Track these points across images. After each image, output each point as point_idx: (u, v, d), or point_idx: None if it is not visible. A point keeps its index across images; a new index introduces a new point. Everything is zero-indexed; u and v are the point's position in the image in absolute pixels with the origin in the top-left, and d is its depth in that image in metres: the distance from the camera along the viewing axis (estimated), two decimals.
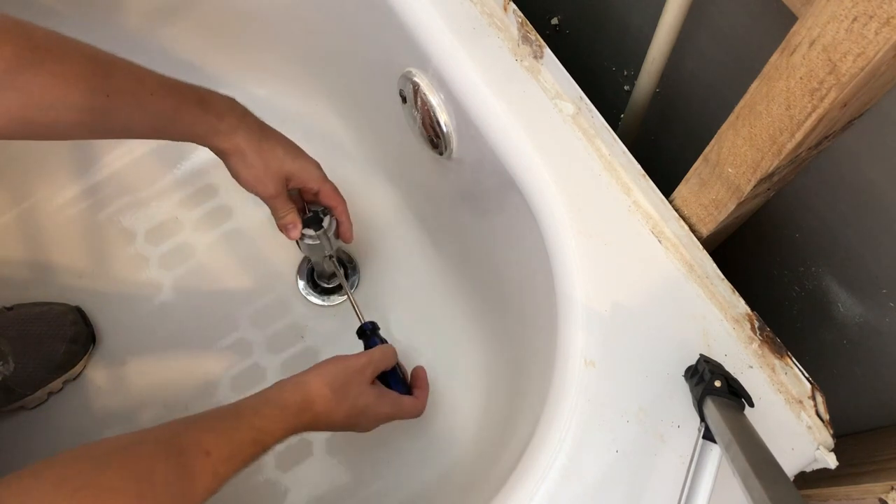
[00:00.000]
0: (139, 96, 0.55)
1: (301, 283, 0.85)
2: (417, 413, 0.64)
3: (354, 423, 0.59)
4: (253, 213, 0.88)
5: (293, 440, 0.75)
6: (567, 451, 0.47)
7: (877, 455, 0.57)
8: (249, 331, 0.83)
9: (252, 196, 0.66)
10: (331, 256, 0.74)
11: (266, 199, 0.66)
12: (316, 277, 0.85)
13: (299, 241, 0.69)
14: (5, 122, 0.48)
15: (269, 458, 0.76)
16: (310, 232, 0.68)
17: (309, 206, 0.70)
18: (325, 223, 0.69)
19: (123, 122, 0.55)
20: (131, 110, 0.54)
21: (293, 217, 0.68)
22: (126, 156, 0.89)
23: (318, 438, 0.77)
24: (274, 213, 0.68)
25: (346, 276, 0.85)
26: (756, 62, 0.42)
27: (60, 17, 0.74)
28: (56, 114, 0.50)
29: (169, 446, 0.43)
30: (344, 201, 0.70)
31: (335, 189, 0.69)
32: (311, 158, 0.67)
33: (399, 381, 0.66)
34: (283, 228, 0.68)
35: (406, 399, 0.63)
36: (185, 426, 0.46)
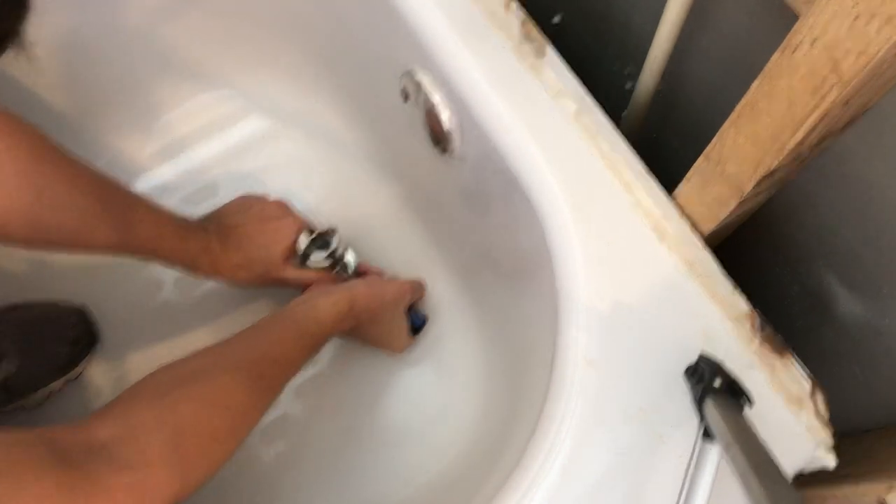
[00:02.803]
0: (133, 215, 0.58)
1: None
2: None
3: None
4: None
5: (290, 453, 0.75)
6: (567, 451, 0.47)
7: (877, 455, 0.57)
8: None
9: None
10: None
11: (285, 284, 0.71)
12: None
13: (306, 262, 0.69)
14: (20, 222, 0.49)
15: (267, 460, 0.76)
16: (319, 255, 0.69)
17: (312, 227, 0.71)
18: (333, 243, 0.69)
19: (119, 237, 0.57)
20: (126, 227, 0.57)
21: (316, 274, 0.72)
22: (128, 156, 0.89)
23: (318, 438, 0.78)
24: (300, 284, 0.72)
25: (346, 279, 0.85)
26: (758, 60, 0.42)
27: (61, 17, 0.74)
28: (64, 215, 0.52)
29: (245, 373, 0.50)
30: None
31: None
32: (281, 220, 0.70)
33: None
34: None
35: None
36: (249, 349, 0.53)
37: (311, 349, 0.58)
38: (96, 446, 0.37)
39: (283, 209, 0.72)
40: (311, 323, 0.58)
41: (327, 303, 0.60)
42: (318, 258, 0.69)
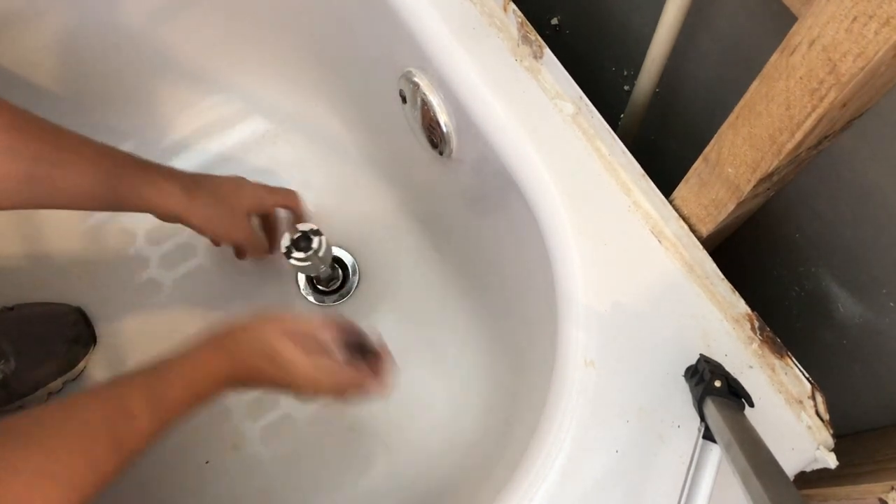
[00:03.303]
0: (82, 167, 0.57)
1: (302, 283, 0.85)
2: (382, 387, 0.59)
3: (313, 378, 0.54)
4: None
5: (290, 453, 0.75)
6: (567, 451, 0.47)
7: (877, 455, 0.57)
8: None
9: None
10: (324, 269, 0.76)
11: (242, 243, 0.70)
12: (315, 282, 0.85)
13: (289, 260, 0.70)
14: (13, 197, 0.52)
15: (267, 460, 0.76)
16: (299, 255, 0.69)
17: (298, 226, 0.71)
18: (315, 244, 0.70)
19: (67, 193, 0.57)
20: (74, 179, 0.56)
21: (262, 247, 0.73)
22: None
23: (318, 439, 0.77)
24: (256, 253, 0.73)
25: (346, 278, 0.85)
26: (756, 62, 0.42)
27: (61, 17, 0.74)
28: (56, 187, 0.54)
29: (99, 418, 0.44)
30: (294, 194, 0.74)
31: (285, 191, 0.74)
32: (250, 182, 0.71)
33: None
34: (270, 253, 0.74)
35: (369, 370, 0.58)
36: (116, 389, 0.47)
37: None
38: None
39: (242, 187, 0.72)
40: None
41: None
42: (298, 256, 0.70)
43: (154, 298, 0.84)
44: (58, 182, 0.55)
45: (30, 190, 0.54)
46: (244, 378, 0.53)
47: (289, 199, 0.74)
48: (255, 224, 0.74)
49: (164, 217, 0.64)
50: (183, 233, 0.87)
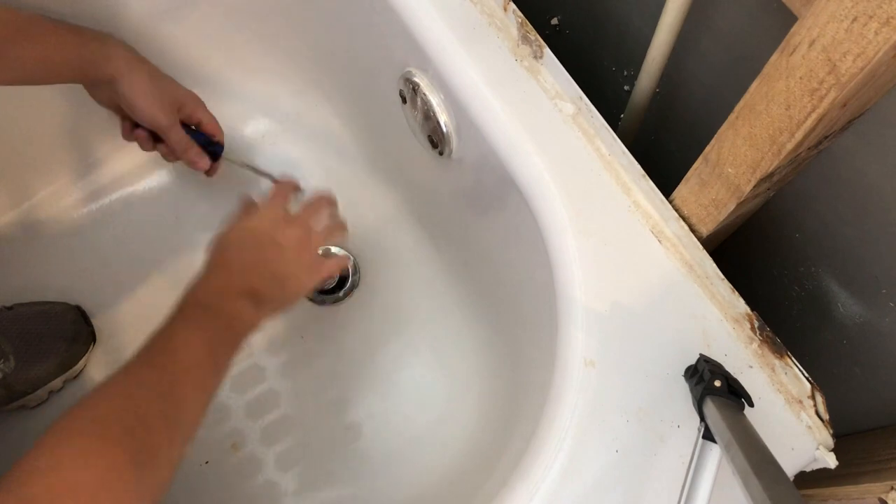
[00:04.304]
0: (26, 36, 0.58)
1: None
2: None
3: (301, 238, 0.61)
4: None
5: (290, 453, 0.75)
6: (567, 451, 0.47)
7: (877, 455, 0.57)
8: None
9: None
10: None
11: (162, 130, 0.68)
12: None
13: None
14: None
15: (267, 460, 0.76)
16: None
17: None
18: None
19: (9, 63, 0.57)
20: (18, 50, 0.57)
21: (196, 149, 0.71)
22: (127, 157, 0.89)
23: (318, 439, 0.77)
24: (175, 146, 0.70)
25: (346, 278, 0.85)
26: (756, 62, 0.42)
27: (60, 16, 0.74)
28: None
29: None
30: (217, 123, 0.73)
31: (213, 118, 0.73)
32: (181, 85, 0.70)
33: None
34: (190, 164, 0.71)
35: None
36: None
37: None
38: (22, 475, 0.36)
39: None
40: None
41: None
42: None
43: (153, 297, 0.84)
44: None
45: None
46: (257, 287, 0.56)
47: (215, 127, 0.73)
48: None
49: (96, 79, 0.64)
50: (183, 233, 0.87)
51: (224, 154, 0.75)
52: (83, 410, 0.41)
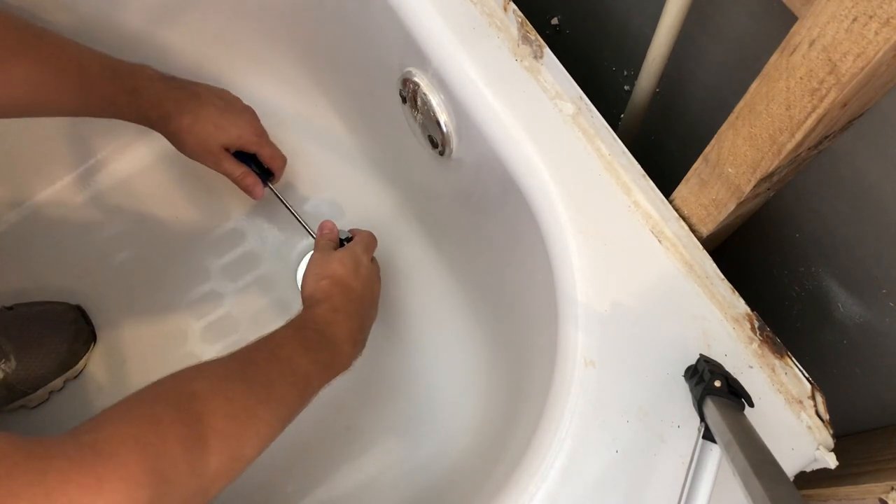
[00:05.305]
0: (81, 80, 0.57)
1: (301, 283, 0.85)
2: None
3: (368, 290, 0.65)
4: (256, 214, 0.88)
5: (290, 453, 0.75)
6: (567, 451, 0.47)
7: (877, 455, 0.57)
8: (250, 330, 0.83)
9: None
10: None
11: (210, 166, 0.70)
12: None
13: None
14: None
15: (266, 460, 0.76)
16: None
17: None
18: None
19: (73, 104, 0.58)
20: (71, 93, 0.57)
21: (251, 178, 0.71)
22: (127, 157, 0.89)
23: (317, 439, 0.77)
24: (227, 176, 0.71)
25: None
26: (756, 62, 0.42)
27: (60, 17, 0.74)
28: (14, 90, 0.53)
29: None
30: (283, 158, 0.75)
31: (273, 148, 0.74)
32: (243, 118, 0.70)
33: None
34: (246, 191, 0.72)
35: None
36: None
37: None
38: (71, 448, 0.36)
39: (251, 111, 0.73)
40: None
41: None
42: None
43: (153, 296, 0.84)
44: (19, 99, 0.55)
45: (28, 102, 0.55)
46: (356, 335, 0.60)
47: (275, 161, 0.73)
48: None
49: (139, 122, 0.64)
50: (183, 233, 0.87)
51: (272, 184, 0.75)
52: (164, 382, 0.43)
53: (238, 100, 0.73)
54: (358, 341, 0.61)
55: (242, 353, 0.50)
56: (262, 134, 0.73)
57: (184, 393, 0.43)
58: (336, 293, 0.61)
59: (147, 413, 0.40)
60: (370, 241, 0.70)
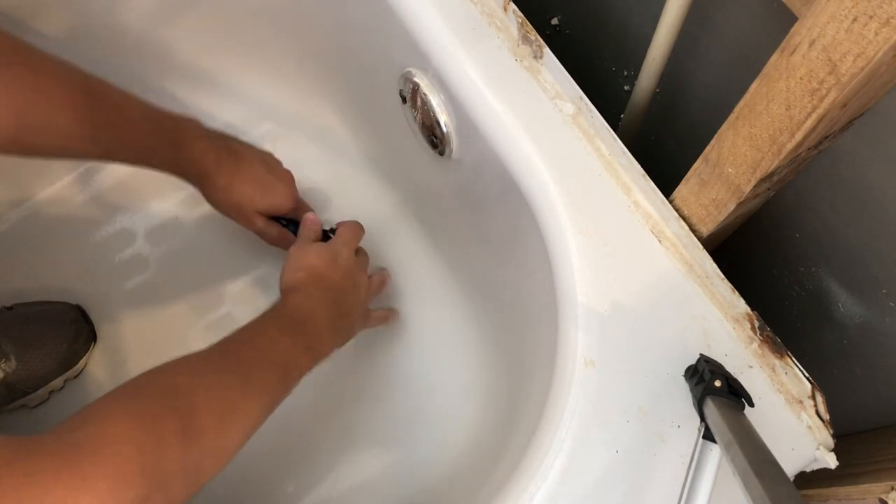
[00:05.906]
0: (122, 129, 0.57)
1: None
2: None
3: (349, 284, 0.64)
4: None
5: (289, 452, 0.75)
6: (567, 451, 0.47)
7: (877, 455, 0.57)
8: None
9: None
10: None
11: (244, 227, 0.71)
12: None
13: None
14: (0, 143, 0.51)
15: (266, 461, 0.76)
16: None
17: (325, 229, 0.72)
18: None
19: (105, 150, 0.57)
20: (113, 142, 0.57)
21: (285, 240, 0.72)
22: None
23: (317, 439, 0.77)
24: (261, 237, 0.72)
25: None
26: (756, 62, 0.42)
27: (60, 17, 0.74)
28: (45, 138, 0.52)
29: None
30: (318, 225, 0.73)
31: (305, 207, 0.74)
32: (279, 187, 0.70)
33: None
34: (277, 245, 0.73)
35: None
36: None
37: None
38: (65, 443, 0.37)
39: (290, 177, 0.73)
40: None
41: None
42: None
43: (153, 296, 0.84)
44: (97, 143, 0.55)
45: (75, 148, 0.55)
46: (335, 323, 0.60)
47: (307, 224, 0.71)
48: None
49: (175, 175, 0.64)
50: (182, 232, 0.87)
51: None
52: (146, 377, 0.44)
53: (279, 164, 0.73)
54: (338, 327, 0.61)
55: (221, 345, 0.50)
56: (296, 201, 0.73)
57: (166, 387, 0.43)
58: (311, 283, 0.61)
59: (130, 409, 0.40)
60: (353, 233, 0.69)
